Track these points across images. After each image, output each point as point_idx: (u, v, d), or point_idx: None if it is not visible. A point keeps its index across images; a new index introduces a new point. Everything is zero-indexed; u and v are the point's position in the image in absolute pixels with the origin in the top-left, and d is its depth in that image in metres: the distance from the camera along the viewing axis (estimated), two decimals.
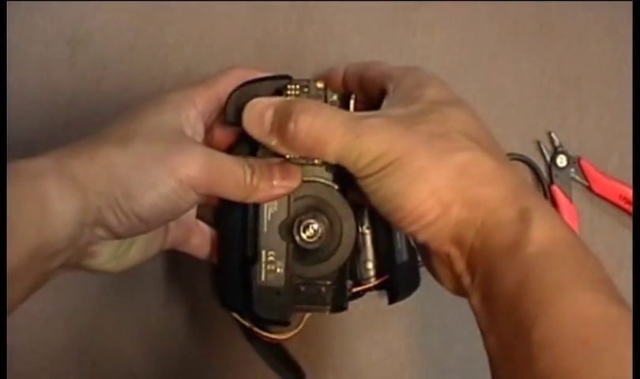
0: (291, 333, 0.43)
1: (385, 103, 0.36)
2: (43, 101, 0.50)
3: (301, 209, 0.40)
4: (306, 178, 0.40)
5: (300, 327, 0.43)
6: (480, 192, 0.32)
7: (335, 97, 0.39)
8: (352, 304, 0.46)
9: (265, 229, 0.39)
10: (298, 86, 0.38)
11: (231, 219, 0.41)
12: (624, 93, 0.53)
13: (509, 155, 0.51)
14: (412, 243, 0.42)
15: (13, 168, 0.31)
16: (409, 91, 0.35)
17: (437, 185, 0.32)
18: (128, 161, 0.33)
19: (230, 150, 0.40)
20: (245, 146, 0.39)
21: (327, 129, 0.33)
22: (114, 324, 0.48)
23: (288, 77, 0.39)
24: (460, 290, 0.34)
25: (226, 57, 0.50)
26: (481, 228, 0.31)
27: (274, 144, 0.35)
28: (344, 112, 0.35)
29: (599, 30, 0.54)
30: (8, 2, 0.50)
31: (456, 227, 0.32)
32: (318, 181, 0.40)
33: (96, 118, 0.50)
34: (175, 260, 0.48)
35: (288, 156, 0.37)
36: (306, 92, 0.38)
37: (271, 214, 0.39)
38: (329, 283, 0.41)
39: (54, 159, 0.32)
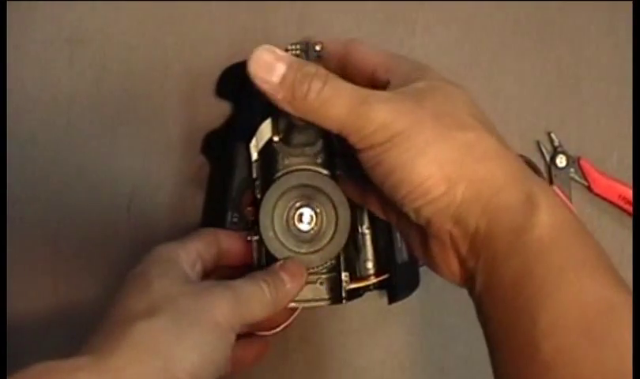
0: (280, 327, 0.43)
1: (389, 86, 0.35)
2: (42, 101, 0.50)
3: (294, 198, 0.40)
4: (297, 167, 0.40)
5: (289, 321, 0.43)
6: (486, 171, 0.32)
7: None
8: (352, 304, 0.46)
9: (234, 194, 0.42)
10: (298, 46, 0.39)
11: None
12: (623, 93, 0.53)
13: None
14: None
15: (50, 370, 0.30)
16: (408, 74, 0.35)
17: (443, 160, 0.31)
18: (166, 330, 0.32)
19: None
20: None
21: (336, 93, 0.33)
22: None
23: None
24: (461, 277, 0.33)
25: (225, 57, 0.50)
26: (486, 208, 0.31)
27: (280, 97, 0.34)
28: (352, 84, 0.34)
29: (599, 30, 0.54)
30: (8, 2, 0.50)
31: (461, 206, 0.31)
32: (310, 170, 0.40)
33: (95, 118, 0.50)
34: None
35: (275, 138, 0.39)
36: (305, 52, 0.39)
37: (240, 180, 0.42)
38: (324, 275, 0.41)
39: (94, 359, 0.31)
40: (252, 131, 0.41)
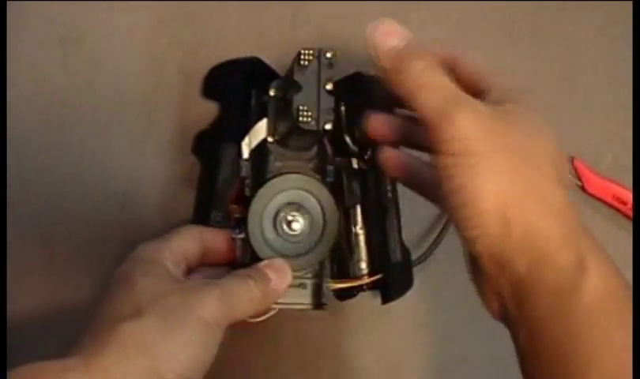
0: (265, 316, 0.43)
1: (487, 98, 0.35)
2: (36, 101, 0.50)
3: (284, 201, 0.40)
4: (290, 170, 0.40)
5: (273, 312, 0.43)
6: (545, 224, 0.31)
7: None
8: (346, 304, 0.46)
9: (218, 192, 0.42)
10: (311, 52, 0.39)
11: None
12: (618, 94, 0.53)
13: None
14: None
15: (38, 371, 0.30)
16: (506, 93, 0.34)
17: (509, 198, 0.30)
18: (154, 329, 0.32)
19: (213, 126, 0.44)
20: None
21: (433, 82, 0.32)
22: None
23: (256, 59, 0.43)
24: (500, 316, 0.33)
25: (220, 57, 0.50)
26: (535, 262, 0.31)
27: (382, 63, 0.34)
28: (453, 84, 0.34)
29: (593, 30, 0.54)
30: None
31: (512, 250, 0.31)
32: (303, 174, 0.41)
33: (89, 119, 0.50)
34: None
35: (270, 139, 0.41)
36: (318, 58, 0.39)
37: (224, 179, 0.43)
38: (309, 279, 0.41)
39: (83, 360, 0.31)
40: (245, 130, 0.42)
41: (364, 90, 0.47)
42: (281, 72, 0.45)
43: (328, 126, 0.38)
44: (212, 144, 0.44)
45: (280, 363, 0.49)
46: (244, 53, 0.50)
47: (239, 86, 0.45)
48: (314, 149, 0.42)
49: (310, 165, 0.41)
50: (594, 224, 0.51)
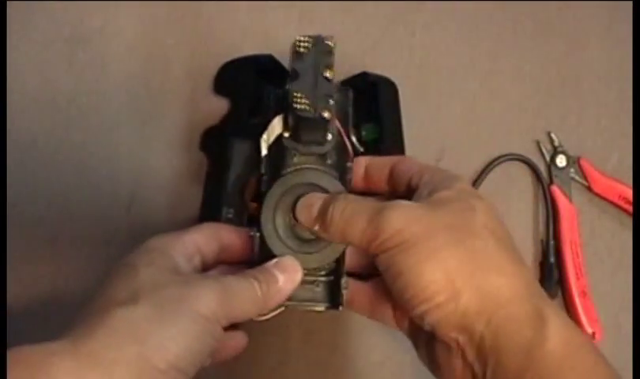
0: (271, 314, 0.43)
1: (416, 196, 0.37)
2: (42, 101, 0.50)
3: (299, 196, 0.40)
4: (305, 166, 0.40)
5: (280, 310, 0.43)
6: (493, 281, 0.32)
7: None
8: None
9: (229, 189, 0.42)
10: (308, 39, 0.39)
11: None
12: (624, 93, 0.53)
13: (508, 155, 0.52)
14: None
15: (24, 355, 0.30)
16: (439, 182, 0.37)
17: (450, 267, 0.32)
18: (147, 317, 0.32)
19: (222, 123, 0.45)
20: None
21: (356, 210, 0.36)
22: None
23: (269, 57, 0.43)
24: None
25: (225, 57, 0.50)
26: (492, 320, 0.32)
27: (317, 229, 0.38)
28: (374, 200, 0.37)
29: (598, 30, 0.54)
30: (8, 2, 0.49)
31: (465, 315, 0.32)
32: (318, 169, 0.40)
33: (95, 118, 0.50)
34: None
35: (286, 134, 0.40)
36: (315, 47, 0.39)
37: (236, 175, 0.42)
38: (324, 277, 0.41)
39: (70, 342, 0.31)
40: (258, 126, 0.41)
41: (371, 89, 0.47)
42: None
43: (326, 114, 0.37)
44: (222, 140, 0.44)
45: (286, 365, 0.49)
46: (248, 53, 0.50)
47: (251, 82, 0.45)
48: (330, 144, 0.41)
49: (328, 160, 0.41)
50: (600, 224, 0.52)
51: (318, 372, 0.49)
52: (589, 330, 0.49)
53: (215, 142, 0.46)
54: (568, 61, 0.54)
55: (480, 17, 0.54)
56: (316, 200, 0.38)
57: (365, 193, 0.42)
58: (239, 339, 0.40)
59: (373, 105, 0.47)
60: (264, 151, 0.41)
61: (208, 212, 0.43)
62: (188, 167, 0.49)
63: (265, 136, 0.41)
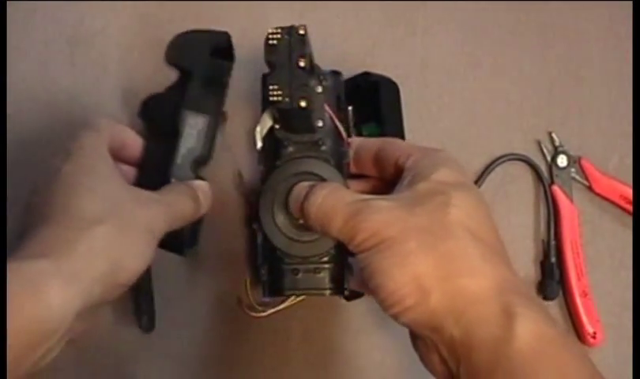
0: (270, 311, 0.42)
1: (399, 183, 0.37)
2: (43, 101, 0.50)
3: (293, 185, 0.40)
4: (300, 155, 0.41)
5: (282, 306, 0.43)
6: (461, 282, 0.33)
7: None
8: (351, 304, 0.46)
9: (179, 161, 0.42)
10: (280, 31, 0.39)
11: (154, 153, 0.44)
12: (624, 93, 0.53)
13: (509, 155, 0.52)
14: None
15: (13, 271, 0.31)
16: (423, 169, 0.37)
17: (420, 271, 0.33)
18: (115, 238, 0.35)
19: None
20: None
21: (334, 208, 0.36)
22: (112, 322, 0.48)
23: (225, 33, 0.43)
24: (443, 375, 0.34)
25: None
26: (460, 319, 0.32)
27: (302, 220, 0.39)
28: (353, 194, 0.37)
29: (599, 30, 0.54)
30: (8, 2, 0.50)
31: (434, 315, 0.33)
32: (312, 157, 0.40)
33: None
34: (174, 258, 0.48)
35: (277, 126, 0.41)
36: (288, 38, 0.39)
37: (187, 148, 0.43)
38: (326, 263, 0.41)
39: (55, 260, 0.33)
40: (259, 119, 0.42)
41: (372, 89, 0.47)
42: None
43: (303, 103, 0.38)
44: (172, 111, 0.44)
45: (286, 363, 0.49)
46: (249, 52, 0.50)
47: (207, 57, 0.44)
48: (323, 130, 0.41)
49: (323, 147, 0.41)
50: (601, 224, 0.52)
51: (318, 372, 0.49)
52: (590, 330, 0.49)
53: (157, 111, 0.45)
54: (569, 61, 0.54)
55: (480, 17, 0.54)
56: (302, 190, 0.39)
57: (358, 175, 0.42)
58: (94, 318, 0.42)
59: (374, 105, 0.47)
60: (259, 144, 0.42)
61: (155, 179, 0.43)
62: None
63: (258, 129, 0.42)
